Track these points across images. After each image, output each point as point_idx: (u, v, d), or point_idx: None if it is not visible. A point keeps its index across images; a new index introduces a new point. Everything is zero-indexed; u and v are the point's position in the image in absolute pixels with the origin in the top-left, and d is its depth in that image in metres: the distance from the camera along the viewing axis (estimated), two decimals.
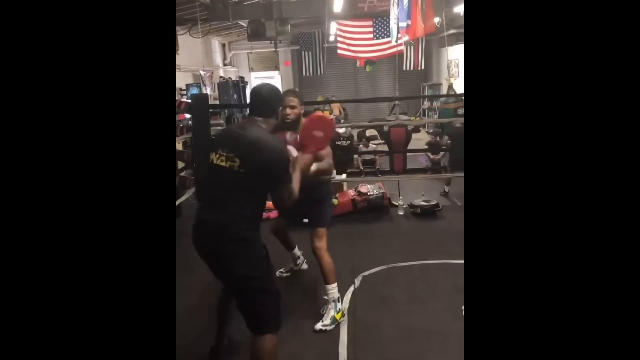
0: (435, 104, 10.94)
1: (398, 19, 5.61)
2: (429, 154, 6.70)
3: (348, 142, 8.14)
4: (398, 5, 5.55)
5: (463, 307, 1.85)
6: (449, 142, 6.34)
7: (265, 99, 1.94)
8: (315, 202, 2.72)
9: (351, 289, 3.11)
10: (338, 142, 7.76)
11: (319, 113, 3.66)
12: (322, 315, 2.68)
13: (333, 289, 2.69)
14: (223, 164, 1.84)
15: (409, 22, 5.15)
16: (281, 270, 3.35)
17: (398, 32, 5.66)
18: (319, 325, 2.61)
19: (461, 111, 7.83)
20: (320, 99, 7.98)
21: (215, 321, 2.32)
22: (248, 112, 1.99)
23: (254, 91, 1.99)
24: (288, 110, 2.48)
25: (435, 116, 10.50)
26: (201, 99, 4.56)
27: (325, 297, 2.72)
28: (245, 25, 8.33)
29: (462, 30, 9.94)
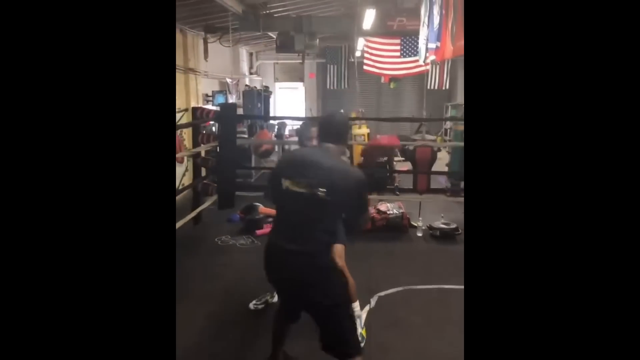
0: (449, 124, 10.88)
1: (427, 39, 5.63)
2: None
3: (386, 158, 8.13)
4: (428, 26, 5.56)
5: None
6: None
7: (338, 126, 2.04)
8: None
9: (367, 308, 3.10)
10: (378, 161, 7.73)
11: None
12: None
13: (357, 307, 2.70)
14: (304, 190, 1.83)
15: (439, 43, 5.15)
16: (255, 302, 3.18)
17: (427, 53, 5.67)
18: None
19: None
20: (353, 115, 8.01)
21: (271, 342, 2.31)
22: (317, 138, 2.08)
23: (326, 120, 2.16)
24: None
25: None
26: (229, 107, 4.63)
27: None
28: (273, 37, 8.45)
29: None
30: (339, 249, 2.70)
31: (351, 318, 1.95)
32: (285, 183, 1.88)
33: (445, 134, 11.79)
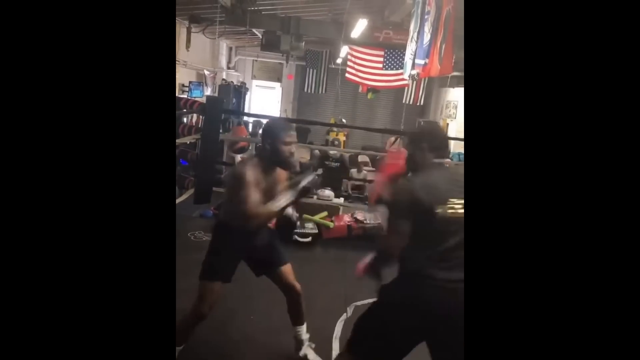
0: None
1: (415, 55, 5.71)
2: None
3: (338, 164, 8.18)
4: (417, 42, 5.65)
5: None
6: None
7: (444, 139, 1.86)
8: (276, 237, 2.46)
9: (343, 317, 3.08)
10: (327, 162, 7.79)
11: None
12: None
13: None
14: (459, 214, 1.60)
15: (427, 60, 5.23)
16: None
17: (413, 68, 5.75)
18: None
19: None
20: (332, 121, 8.04)
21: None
22: (426, 154, 1.77)
23: (434, 130, 1.89)
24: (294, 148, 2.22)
25: None
26: (216, 101, 4.53)
27: (302, 338, 2.52)
28: (257, 34, 8.35)
29: None
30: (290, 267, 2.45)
31: None
32: (439, 208, 1.66)
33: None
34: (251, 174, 2.07)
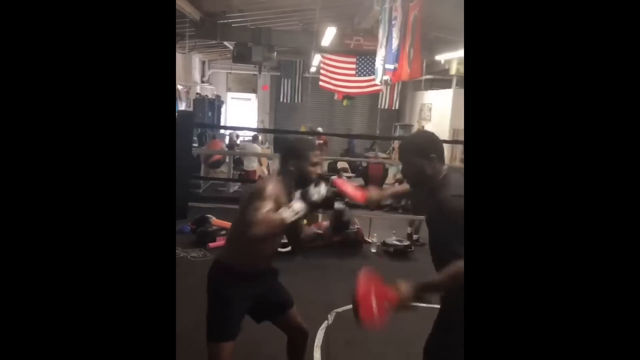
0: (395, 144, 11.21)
1: (385, 60, 5.79)
2: None
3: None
4: (386, 47, 5.73)
5: None
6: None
7: (442, 145, 1.74)
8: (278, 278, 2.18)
9: (324, 324, 3.07)
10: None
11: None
12: None
13: None
14: None
15: (396, 65, 5.31)
16: None
17: (384, 73, 5.82)
18: None
19: None
20: (303, 128, 8.07)
21: None
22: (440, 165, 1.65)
23: (432, 136, 1.72)
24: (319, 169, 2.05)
25: None
26: (187, 115, 4.50)
27: None
28: (229, 46, 8.36)
29: (439, 77, 10.37)
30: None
31: None
32: None
33: (393, 152, 12.14)
34: (272, 189, 1.82)
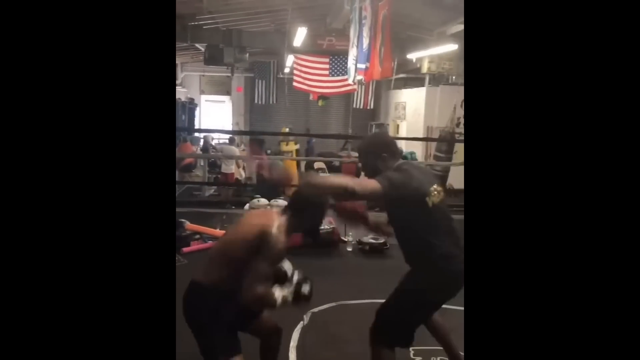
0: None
1: (357, 59, 5.81)
2: None
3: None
4: (357, 47, 5.75)
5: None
6: None
7: (395, 144, 2.12)
8: None
9: (300, 325, 3.05)
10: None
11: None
12: None
13: None
14: (440, 200, 1.89)
15: (368, 64, 5.34)
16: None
17: (356, 73, 5.85)
18: None
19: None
20: (284, 130, 8.06)
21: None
22: (395, 157, 1.99)
23: (386, 137, 2.18)
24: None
25: None
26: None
27: None
28: (201, 49, 8.27)
29: (412, 75, 10.47)
30: None
31: None
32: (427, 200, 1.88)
33: None
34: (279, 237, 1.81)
